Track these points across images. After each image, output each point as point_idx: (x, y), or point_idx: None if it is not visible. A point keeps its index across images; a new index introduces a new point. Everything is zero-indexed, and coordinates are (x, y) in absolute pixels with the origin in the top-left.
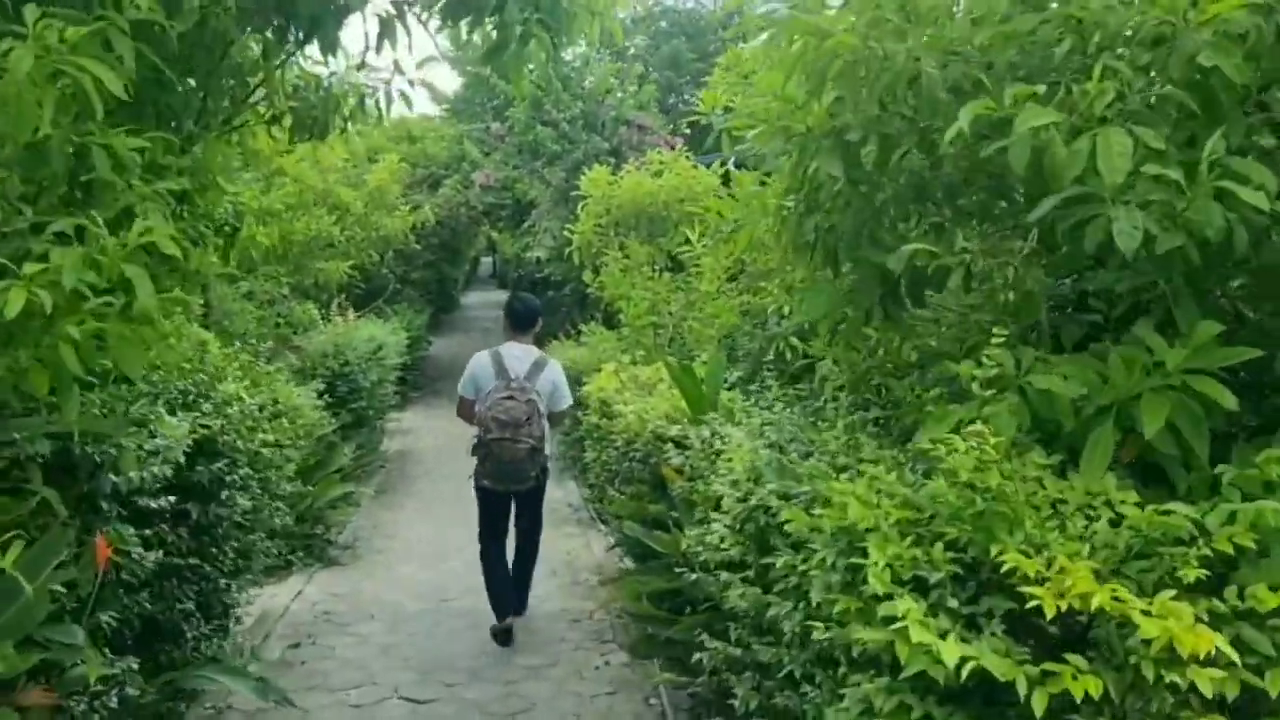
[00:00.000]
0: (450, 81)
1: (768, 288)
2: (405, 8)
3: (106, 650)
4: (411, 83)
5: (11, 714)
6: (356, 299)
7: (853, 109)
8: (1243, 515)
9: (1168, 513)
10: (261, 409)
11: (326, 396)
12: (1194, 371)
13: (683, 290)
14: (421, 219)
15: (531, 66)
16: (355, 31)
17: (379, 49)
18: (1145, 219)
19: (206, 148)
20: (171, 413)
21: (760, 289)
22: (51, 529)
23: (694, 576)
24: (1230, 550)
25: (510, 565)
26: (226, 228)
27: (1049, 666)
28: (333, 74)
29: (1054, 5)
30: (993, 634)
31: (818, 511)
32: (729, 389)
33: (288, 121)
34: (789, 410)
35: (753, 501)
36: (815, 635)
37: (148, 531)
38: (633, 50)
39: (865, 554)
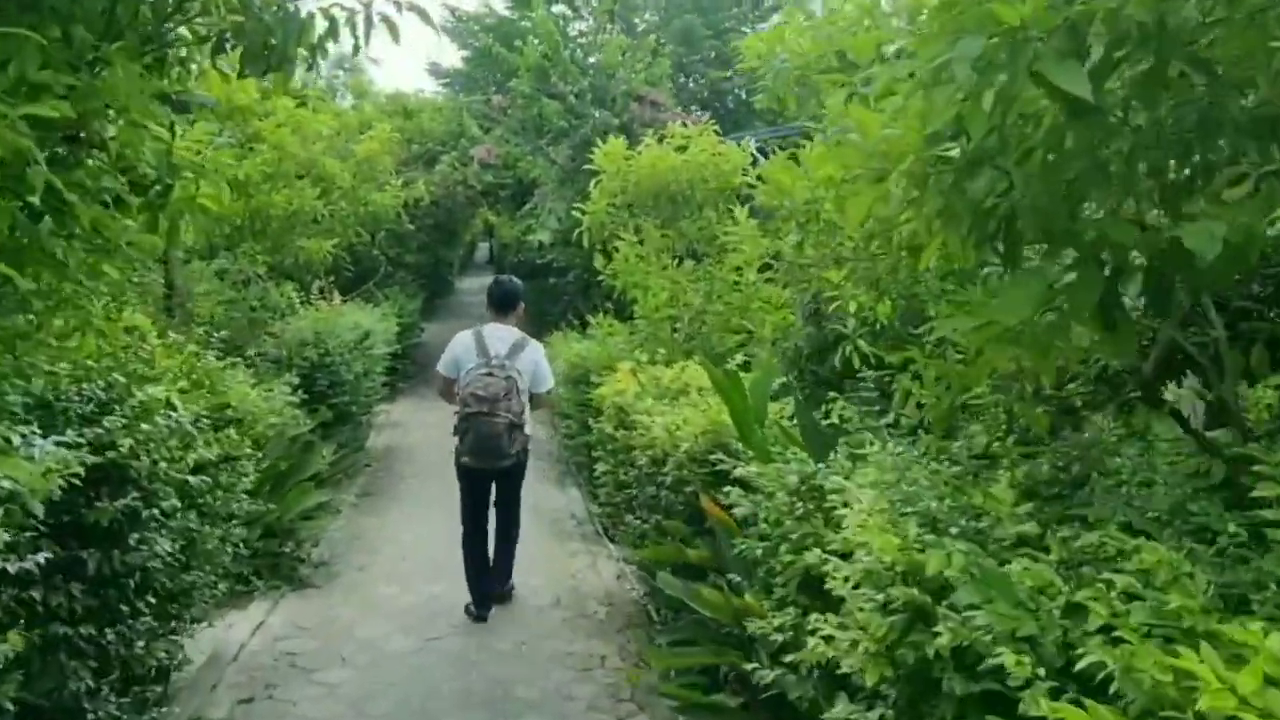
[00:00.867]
0: (451, 56)
1: (829, 278)
2: None
3: None
4: (399, 6)
5: None
6: (345, 281)
7: None
8: None
9: None
10: (199, 420)
11: (302, 392)
12: None
13: (704, 280)
14: (415, 195)
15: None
16: None
17: None
18: None
19: (114, 69)
20: (53, 431)
21: (811, 279)
22: None
23: (769, 674)
24: None
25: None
26: (154, 185)
27: None
28: None
29: None
30: None
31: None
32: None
33: (238, 50)
34: (896, 447)
35: (905, 613)
36: None
37: (8, 599)
38: (643, 26)
39: None
